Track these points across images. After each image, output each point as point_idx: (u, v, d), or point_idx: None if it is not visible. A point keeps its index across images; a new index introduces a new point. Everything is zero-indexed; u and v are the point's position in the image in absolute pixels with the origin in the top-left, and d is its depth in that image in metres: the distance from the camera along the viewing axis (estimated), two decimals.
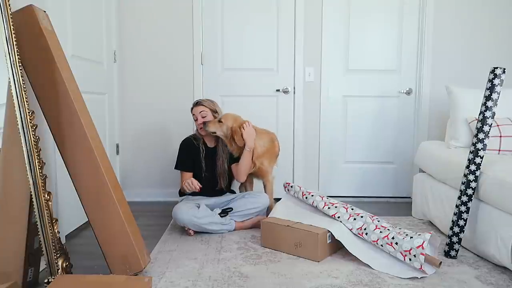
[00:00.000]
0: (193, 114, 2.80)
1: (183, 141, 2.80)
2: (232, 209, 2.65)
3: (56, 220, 1.77)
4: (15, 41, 1.62)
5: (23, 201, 1.73)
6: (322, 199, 2.41)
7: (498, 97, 2.17)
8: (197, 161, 2.73)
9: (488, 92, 2.18)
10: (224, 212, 2.63)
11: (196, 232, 2.57)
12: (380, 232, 2.11)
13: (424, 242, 1.94)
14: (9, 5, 1.61)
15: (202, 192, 2.72)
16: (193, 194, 2.77)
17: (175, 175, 3.32)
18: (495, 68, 2.17)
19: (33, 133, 1.67)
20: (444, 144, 2.93)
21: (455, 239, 2.18)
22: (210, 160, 2.73)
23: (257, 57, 3.49)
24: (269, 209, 2.72)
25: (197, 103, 2.81)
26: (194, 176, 2.70)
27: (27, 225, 1.74)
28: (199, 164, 2.73)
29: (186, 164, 2.73)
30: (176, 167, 2.76)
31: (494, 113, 2.18)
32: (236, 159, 2.76)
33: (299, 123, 3.54)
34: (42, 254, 1.72)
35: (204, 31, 3.47)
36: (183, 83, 3.49)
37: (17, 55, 1.63)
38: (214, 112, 2.79)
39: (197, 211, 2.51)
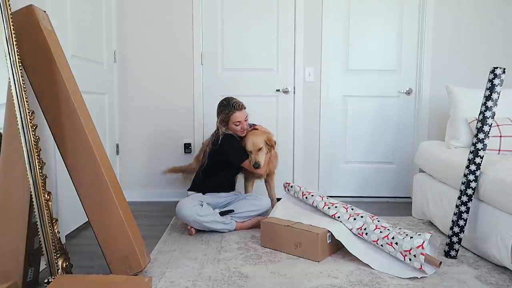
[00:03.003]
0: (245, 120, 2.68)
1: (231, 136, 2.68)
2: (233, 211, 2.65)
3: (56, 220, 1.77)
4: (15, 41, 1.62)
5: (23, 201, 1.74)
6: (322, 199, 2.41)
7: (498, 97, 2.17)
8: None
9: (488, 92, 2.18)
10: (225, 213, 2.63)
11: (196, 232, 2.57)
12: (380, 232, 2.11)
13: (424, 242, 1.94)
14: (9, 5, 1.61)
15: (225, 185, 2.82)
16: (199, 192, 2.75)
17: (175, 175, 3.32)
18: (495, 68, 2.17)
19: (33, 133, 1.67)
20: (444, 144, 2.93)
21: (455, 239, 2.18)
22: None
23: (257, 57, 3.49)
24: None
25: (241, 106, 2.68)
26: (230, 173, 2.83)
27: (27, 225, 1.74)
28: None
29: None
30: (244, 160, 2.67)
31: (494, 113, 2.18)
32: None
33: (299, 123, 3.54)
34: (42, 254, 1.72)
35: (204, 31, 3.47)
36: (183, 83, 3.49)
37: (17, 55, 1.63)
38: None
39: (200, 209, 2.52)
